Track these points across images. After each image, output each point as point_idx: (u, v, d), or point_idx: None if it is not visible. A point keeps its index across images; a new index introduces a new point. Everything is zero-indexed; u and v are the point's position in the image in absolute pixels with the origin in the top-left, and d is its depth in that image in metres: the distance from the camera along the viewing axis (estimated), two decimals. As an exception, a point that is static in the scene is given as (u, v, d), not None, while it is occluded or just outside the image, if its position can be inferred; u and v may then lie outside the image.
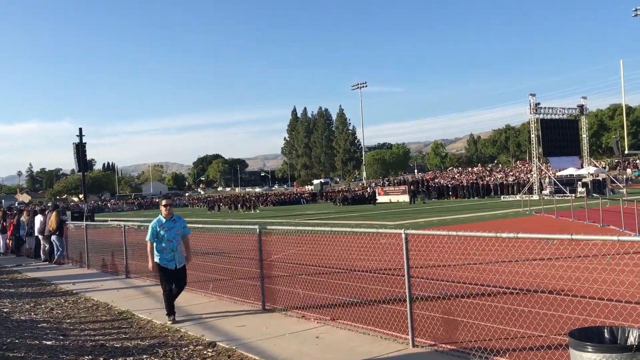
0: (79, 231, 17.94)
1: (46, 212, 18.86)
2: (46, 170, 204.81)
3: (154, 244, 8.27)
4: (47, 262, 17.85)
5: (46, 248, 18.23)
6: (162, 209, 8.46)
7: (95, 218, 37.53)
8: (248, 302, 9.11)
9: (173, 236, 8.30)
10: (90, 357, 6.52)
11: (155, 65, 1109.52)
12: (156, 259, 8.28)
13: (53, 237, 17.43)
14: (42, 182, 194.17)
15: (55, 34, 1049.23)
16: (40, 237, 18.57)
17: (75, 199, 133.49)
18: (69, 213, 33.81)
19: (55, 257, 17.43)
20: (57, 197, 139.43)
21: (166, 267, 8.24)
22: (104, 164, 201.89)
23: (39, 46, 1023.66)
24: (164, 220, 8.35)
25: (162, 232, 8.23)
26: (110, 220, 30.35)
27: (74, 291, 11.71)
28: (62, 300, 10.71)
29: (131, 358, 6.42)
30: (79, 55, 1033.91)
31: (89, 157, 39.15)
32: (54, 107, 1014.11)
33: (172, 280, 8.31)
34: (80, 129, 32.63)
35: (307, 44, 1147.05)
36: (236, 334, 7.22)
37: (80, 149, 32.81)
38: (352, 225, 26.51)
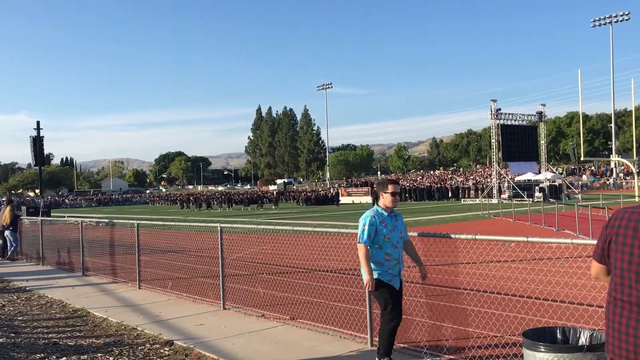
0: (34, 227, 17.47)
1: (0, 206, 18.28)
2: (1, 163, 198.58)
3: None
4: (-1, 258, 17.33)
5: (-1, 243, 17.69)
6: (387, 197, 5.51)
7: (52, 214, 36.62)
8: (207, 301, 9.02)
9: (397, 240, 5.51)
10: (42, 355, 6.35)
11: (116, 60, 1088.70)
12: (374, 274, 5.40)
13: (6, 232, 16.93)
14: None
15: (9, 25, 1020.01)
16: (-8, 232, 17.99)
17: (31, 194, 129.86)
18: (24, 208, 32.92)
19: (9, 253, 16.93)
20: (12, 192, 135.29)
21: (391, 284, 5.41)
22: (62, 159, 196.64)
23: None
24: (385, 214, 5.55)
25: (384, 232, 5.44)
26: (67, 216, 29.63)
27: (27, 288, 11.39)
28: (15, 297, 10.40)
29: (85, 356, 6.28)
30: (37, 48, 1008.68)
31: (46, 152, 38.10)
32: (8, 100, 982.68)
33: (398, 304, 5.46)
34: (38, 122, 31.90)
35: (274, 43, 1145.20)
36: (194, 332, 7.14)
37: (37, 142, 32.00)
38: (314, 225, 26.53)
